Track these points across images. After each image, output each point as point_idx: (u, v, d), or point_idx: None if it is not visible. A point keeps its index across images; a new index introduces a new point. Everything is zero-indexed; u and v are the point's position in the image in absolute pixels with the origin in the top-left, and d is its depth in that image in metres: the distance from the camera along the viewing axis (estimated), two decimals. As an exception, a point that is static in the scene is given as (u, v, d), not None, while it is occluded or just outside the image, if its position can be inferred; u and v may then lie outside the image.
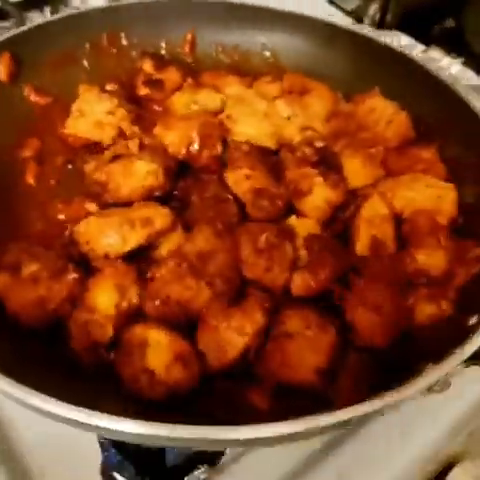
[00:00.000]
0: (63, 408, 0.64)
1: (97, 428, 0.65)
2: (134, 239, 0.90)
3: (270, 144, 1.09)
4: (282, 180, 1.01)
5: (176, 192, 1.02)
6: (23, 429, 0.92)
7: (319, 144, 1.06)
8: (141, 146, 1.03)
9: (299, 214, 0.99)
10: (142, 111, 1.19)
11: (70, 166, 1.11)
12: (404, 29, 1.65)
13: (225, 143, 1.08)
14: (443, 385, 0.76)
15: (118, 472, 0.86)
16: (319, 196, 0.98)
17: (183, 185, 1.03)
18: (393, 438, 0.96)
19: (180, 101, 1.19)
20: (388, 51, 1.25)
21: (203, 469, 0.88)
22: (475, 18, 1.75)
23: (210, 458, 0.89)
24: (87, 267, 0.90)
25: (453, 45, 1.62)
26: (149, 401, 0.77)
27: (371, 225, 0.94)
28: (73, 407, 0.64)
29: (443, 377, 0.73)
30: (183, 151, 1.04)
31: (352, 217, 0.97)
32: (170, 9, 1.32)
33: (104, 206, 0.98)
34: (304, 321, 0.83)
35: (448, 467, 0.95)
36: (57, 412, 0.64)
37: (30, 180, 1.08)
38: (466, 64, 1.54)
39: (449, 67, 1.53)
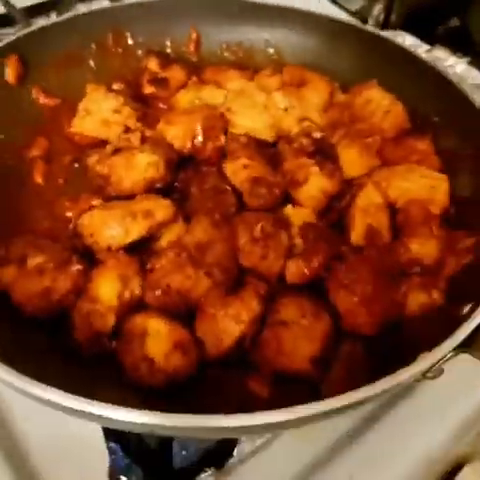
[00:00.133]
0: (63, 397, 0.65)
1: (96, 417, 0.65)
2: (136, 231, 0.92)
3: (268, 136, 1.10)
4: (279, 170, 1.02)
5: (177, 184, 1.03)
6: (31, 431, 0.92)
7: (316, 135, 1.06)
8: (143, 139, 1.05)
9: (295, 203, 1.00)
10: (148, 109, 1.21)
11: (77, 165, 1.13)
12: (408, 29, 1.64)
13: (226, 135, 1.09)
14: (436, 372, 0.76)
15: (126, 475, 0.88)
16: (315, 186, 0.99)
17: (183, 177, 1.04)
18: (402, 438, 0.95)
19: (185, 99, 1.21)
20: (392, 47, 1.25)
21: (210, 472, 0.89)
22: (480, 18, 1.74)
23: (217, 460, 0.90)
24: (91, 259, 0.91)
25: (458, 45, 1.60)
26: (149, 390, 0.78)
27: (366, 214, 0.94)
28: (71, 396, 0.65)
29: (436, 364, 0.74)
30: (188, 144, 1.06)
31: (347, 206, 0.98)
32: (174, 8, 1.34)
33: (107, 199, 1.00)
34: (299, 310, 0.84)
35: (457, 467, 0.93)
36: (57, 401, 0.65)
37: (38, 179, 1.10)
38: (471, 63, 1.53)
39: (454, 66, 1.53)
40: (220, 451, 0.91)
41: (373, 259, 0.88)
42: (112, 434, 0.90)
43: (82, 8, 1.63)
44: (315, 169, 1.00)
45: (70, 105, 1.18)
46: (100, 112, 1.14)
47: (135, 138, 1.04)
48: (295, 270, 0.87)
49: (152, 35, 1.35)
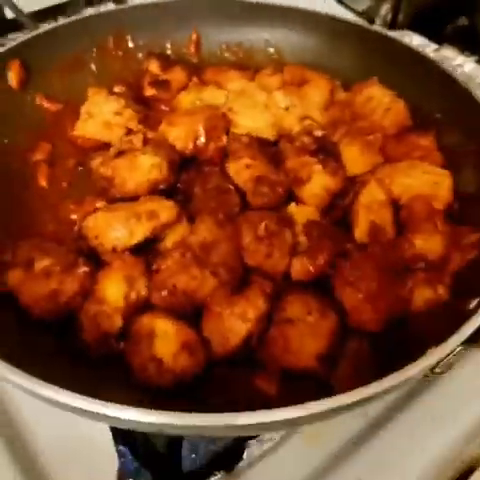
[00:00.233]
0: (72, 398, 0.65)
1: (112, 418, 0.66)
2: (140, 232, 0.92)
3: (269, 135, 1.10)
4: (282, 169, 1.02)
5: (179, 185, 1.03)
6: (40, 432, 0.92)
7: (318, 133, 1.06)
8: (145, 141, 1.05)
9: (298, 202, 1.00)
10: (149, 111, 1.21)
11: (81, 168, 1.13)
12: (416, 29, 1.63)
13: (228, 135, 1.09)
14: (444, 367, 0.76)
15: (135, 479, 0.88)
16: (318, 184, 0.99)
17: (186, 178, 1.04)
18: (411, 441, 0.95)
19: (186, 100, 1.21)
20: (396, 46, 1.24)
21: (219, 475, 0.89)
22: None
23: (227, 464, 0.90)
24: (97, 261, 0.91)
25: (466, 44, 1.59)
26: (156, 390, 0.78)
27: (369, 211, 0.94)
28: (81, 396, 0.65)
29: (444, 359, 0.74)
30: (190, 145, 1.06)
31: (351, 204, 0.98)
32: (174, 10, 1.34)
33: (111, 201, 1.00)
34: (305, 307, 0.84)
35: (469, 471, 0.92)
36: (67, 402, 0.65)
37: (42, 183, 1.11)
38: (480, 62, 1.54)
39: (463, 65, 1.52)
40: (229, 454, 0.91)
41: (377, 256, 0.88)
42: (121, 437, 0.90)
43: (90, 10, 1.65)
44: (318, 167, 1.00)
45: (73, 109, 1.18)
46: (102, 115, 1.14)
47: (137, 140, 1.04)
48: (300, 268, 0.87)
49: (152, 37, 1.35)
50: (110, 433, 0.90)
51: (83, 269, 0.89)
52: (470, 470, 0.92)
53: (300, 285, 0.90)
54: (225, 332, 0.82)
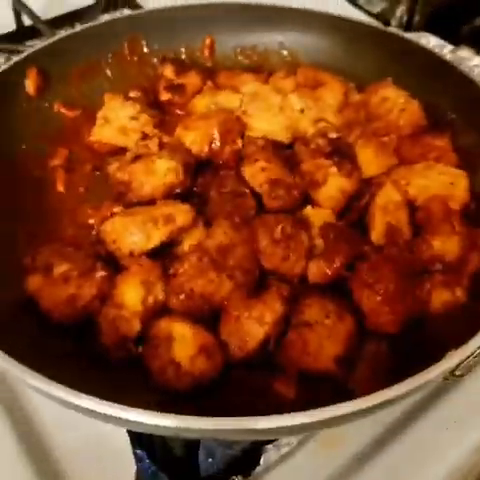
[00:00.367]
0: (89, 401, 0.65)
1: (123, 421, 0.66)
2: (157, 236, 0.92)
3: (284, 138, 1.09)
4: (297, 172, 1.01)
5: (195, 188, 1.04)
6: (58, 435, 0.92)
7: (333, 135, 1.05)
8: (160, 145, 1.05)
9: (314, 204, 0.99)
10: (165, 116, 1.21)
11: (98, 173, 1.13)
12: (432, 30, 1.60)
13: (242, 138, 1.09)
14: (464, 370, 0.75)
15: None
16: (334, 186, 0.99)
17: (202, 181, 1.04)
18: (430, 447, 0.92)
19: (201, 104, 1.21)
20: (412, 47, 1.23)
21: (237, 479, 0.88)
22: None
23: (244, 468, 0.89)
24: (115, 265, 0.92)
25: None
26: (174, 394, 0.78)
27: (386, 212, 0.93)
28: (97, 400, 0.65)
29: (464, 361, 0.73)
30: (206, 149, 1.06)
31: (367, 205, 0.97)
32: (187, 14, 1.34)
33: (128, 205, 1.00)
34: (323, 310, 0.83)
35: None
36: (84, 405, 0.66)
37: (60, 188, 1.11)
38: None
39: (480, 66, 1.50)
40: (247, 459, 0.90)
41: (395, 257, 0.87)
42: (138, 440, 0.89)
43: (106, 17, 1.66)
44: (333, 170, 0.99)
45: (89, 114, 1.19)
46: (118, 120, 1.15)
47: (153, 144, 1.04)
48: (317, 270, 0.86)
49: (167, 42, 1.35)
50: (127, 436, 0.89)
51: (101, 273, 0.89)
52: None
53: (317, 288, 0.89)
54: (243, 335, 0.82)
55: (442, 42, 1.57)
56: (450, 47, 1.56)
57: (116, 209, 1.00)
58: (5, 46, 1.50)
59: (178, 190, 1.00)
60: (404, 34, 1.29)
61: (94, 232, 0.99)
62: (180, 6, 1.35)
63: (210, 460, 0.89)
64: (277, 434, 0.83)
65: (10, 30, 1.64)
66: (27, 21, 1.62)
